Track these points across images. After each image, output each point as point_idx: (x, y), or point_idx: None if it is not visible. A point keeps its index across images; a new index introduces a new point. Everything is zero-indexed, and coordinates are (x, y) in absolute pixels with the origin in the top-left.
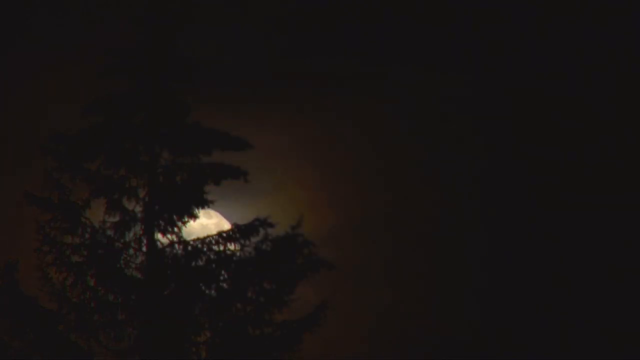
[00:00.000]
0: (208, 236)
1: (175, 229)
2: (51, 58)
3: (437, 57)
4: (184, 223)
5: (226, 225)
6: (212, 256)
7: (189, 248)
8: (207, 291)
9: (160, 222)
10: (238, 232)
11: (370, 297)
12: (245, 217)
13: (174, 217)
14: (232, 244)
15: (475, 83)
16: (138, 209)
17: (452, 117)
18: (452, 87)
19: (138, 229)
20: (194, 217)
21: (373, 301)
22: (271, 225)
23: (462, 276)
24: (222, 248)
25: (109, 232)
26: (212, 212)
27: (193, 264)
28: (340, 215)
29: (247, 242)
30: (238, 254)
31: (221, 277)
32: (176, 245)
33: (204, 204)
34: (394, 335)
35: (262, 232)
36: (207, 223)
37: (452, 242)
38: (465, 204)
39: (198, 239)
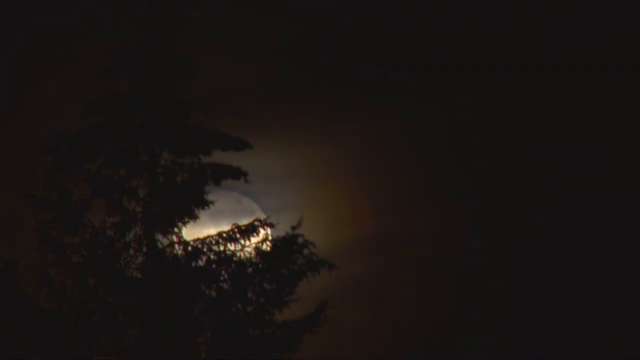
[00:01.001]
0: (208, 236)
1: (176, 230)
2: (51, 58)
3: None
4: (184, 223)
5: (257, 211)
6: (212, 256)
7: (189, 248)
8: (207, 291)
9: (161, 222)
10: (238, 233)
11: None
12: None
13: (174, 217)
14: (232, 244)
15: (486, 93)
16: (138, 209)
17: (467, 124)
18: (464, 95)
19: (138, 229)
20: (194, 217)
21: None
22: (271, 226)
23: (466, 277)
24: (222, 248)
25: (109, 233)
26: (244, 198)
27: (193, 264)
28: (379, 226)
29: (247, 242)
30: (238, 254)
31: (221, 278)
32: (176, 246)
33: (204, 204)
34: (398, 335)
35: (262, 232)
36: (239, 208)
37: (457, 242)
38: (467, 204)
39: (198, 239)
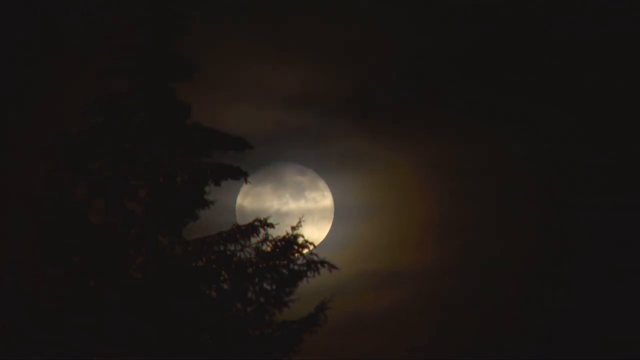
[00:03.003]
0: (208, 236)
1: (176, 230)
2: (51, 58)
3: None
4: (185, 224)
5: (320, 183)
6: (212, 256)
7: (190, 248)
8: (207, 291)
9: (161, 222)
10: (238, 233)
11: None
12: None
13: (175, 217)
14: (232, 244)
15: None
16: (138, 209)
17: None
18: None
19: (138, 229)
20: (195, 217)
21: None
22: (271, 226)
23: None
24: (222, 248)
25: (109, 233)
26: (307, 169)
27: (193, 264)
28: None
29: (247, 243)
30: (238, 254)
31: (221, 278)
32: (176, 246)
33: (204, 204)
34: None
35: (262, 232)
36: (301, 180)
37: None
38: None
39: (198, 239)
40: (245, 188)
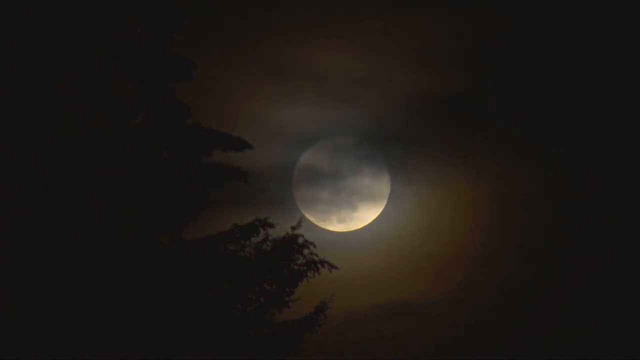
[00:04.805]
0: (208, 236)
1: (176, 230)
2: (51, 58)
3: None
4: (185, 223)
5: (378, 158)
6: (212, 256)
7: (190, 248)
8: (207, 291)
9: (161, 222)
10: (238, 233)
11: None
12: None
13: (175, 217)
14: (232, 244)
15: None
16: (138, 209)
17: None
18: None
19: (138, 229)
20: (195, 217)
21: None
22: (271, 226)
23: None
24: (222, 248)
25: (109, 233)
26: (364, 144)
27: (193, 264)
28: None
29: (248, 243)
30: (238, 254)
31: (221, 278)
32: (176, 246)
33: (204, 204)
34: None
35: (262, 232)
36: (356, 154)
37: None
38: None
39: (198, 239)
40: (301, 164)
